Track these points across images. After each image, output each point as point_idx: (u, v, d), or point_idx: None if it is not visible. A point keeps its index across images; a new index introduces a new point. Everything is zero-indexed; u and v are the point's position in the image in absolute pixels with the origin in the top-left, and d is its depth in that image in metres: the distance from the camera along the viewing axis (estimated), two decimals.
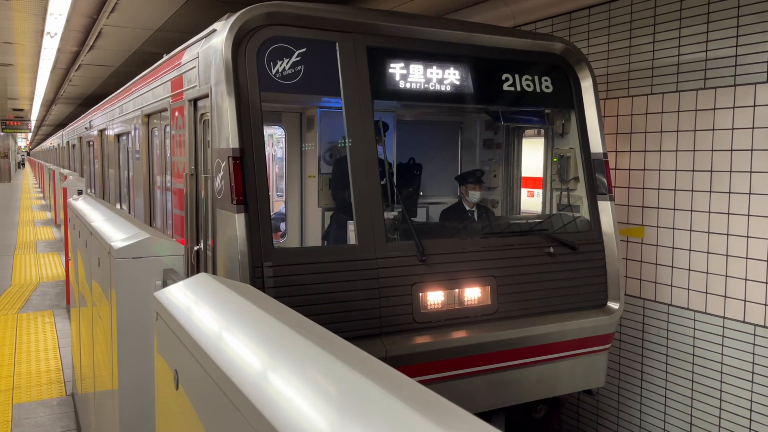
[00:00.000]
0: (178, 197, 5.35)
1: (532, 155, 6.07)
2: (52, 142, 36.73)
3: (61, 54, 12.77)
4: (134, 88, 7.79)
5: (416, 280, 4.09)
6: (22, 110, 29.88)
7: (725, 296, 4.83)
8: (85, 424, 4.69)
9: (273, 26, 3.94)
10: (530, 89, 4.84)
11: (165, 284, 2.59)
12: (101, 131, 11.31)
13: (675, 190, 5.16)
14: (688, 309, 5.12)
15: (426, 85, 4.46)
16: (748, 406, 4.72)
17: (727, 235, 4.78)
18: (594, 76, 4.98)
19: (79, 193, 8.61)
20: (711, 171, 4.88)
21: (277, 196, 8.32)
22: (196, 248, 4.76)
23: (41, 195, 30.68)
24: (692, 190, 5.02)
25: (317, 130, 6.36)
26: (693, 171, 5.01)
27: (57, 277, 11.06)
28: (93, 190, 13.09)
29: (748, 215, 4.64)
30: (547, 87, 4.91)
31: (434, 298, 4.15)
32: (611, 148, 5.61)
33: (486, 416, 4.50)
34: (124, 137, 8.70)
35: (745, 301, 4.70)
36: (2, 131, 36.06)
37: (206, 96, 4.24)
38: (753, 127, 4.59)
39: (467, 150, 6.84)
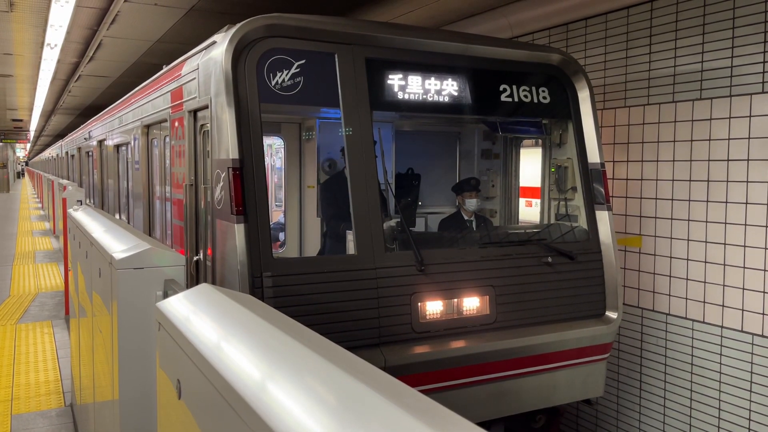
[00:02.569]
0: (177, 208, 5.36)
1: (530, 165, 6.10)
2: (51, 152, 36.77)
3: (61, 65, 12.83)
4: (134, 99, 7.82)
5: (415, 289, 4.10)
6: (21, 120, 29.93)
7: (723, 305, 4.85)
8: None
9: (272, 38, 3.97)
10: (528, 100, 4.87)
11: (166, 295, 2.61)
12: (100, 142, 11.34)
13: (672, 199, 5.18)
14: (686, 318, 5.13)
15: (424, 96, 4.49)
16: (746, 415, 4.73)
17: (725, 244, 4.81)
18: (591, 86, 5.02)
19: (79, 203, 8.62)
20: (708, 181, 4.91)
21: (276, 206, 8.34)
22: (195, 258, 4.77)
23: (40, 205, 30.67)
24: (689, 200, 5.05)
25: (316, 141, 6.40)
26: (690, 181, 5.04)
27: (56, 287, 11.05)
28: (92, 201, 13.10)
29: (745, 225, 4.67)
30: (544, 97, 4.94)
31: (433, 307, 4.16)
32: (608, 158, 5.64)
33: (485, 426, 4.50)
34: (124, 148, 8.72)
35: (742, 310, 4.72)
36: (1, 142, 36.09)
37: (206, 107, 4.26)
38: (749, 137, 4.63)
39: (465, 160, 6.87)
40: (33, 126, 32.93)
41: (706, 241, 4.94)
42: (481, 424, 4.42)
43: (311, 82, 4.07)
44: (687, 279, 5.10)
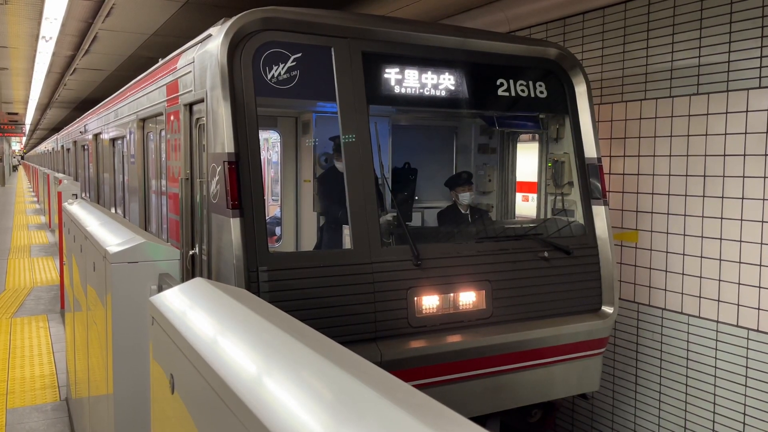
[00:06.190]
0: (173, 201, 5.35)
1: (527, 160, 6.09)
2: (47, 146, 36.66)
3: (56, 58, 12.76)
4: (129, 93, 7.79)
5: (411, 284, 4.09)
6: (16, 114, 29.81)
7: (719, 300, 4.85)
8: (79, 428, 4.67)
9: (269, 31, 3.95)
10: (525, 94, 4.86)
11: (160, 289, 2.60)
12: (96, 135, 11.30)
13: (669, 194, 5.18)
14: (681, 313, 5.14)
15: (421, 90, 4.48)
16: (741, 409, 4.74)
17: (721, 239, 4.81)
18: (588, 81, 5.01)
19: (74, 197, 8.59)
20: (704, 176, 4.91)
21: (273, 200, 8.31)
22: (191, 253, 4.76)
23: (35, 199, 30.58)
24: (686, 195, 5.05)
25: (313, 135, 6.38)
26: (686, 176, 5.04)
27: (51, 281, 11.02)
28: (88, 195, 13.05)
29: (741, 220, 4.67)
30: (541, 92, 4.93)
31: (429, 302, 4.16)
32: (605, 153, 5.63)
33: (481, 420, 4.50)
34: (120, 141, 8.69)
35: (738, 305, 4.72)
36: None
37: (202, 100, 4.24)
38: (745, 133, 4.62)
39: (462, 155, 6.86)
40: (28, 119, 32.80)
41: (702, 236, 4.95)
42: (477, 419, 4.43)
43: (307, 76, 4.05)
44: (683, 274, 5.11)
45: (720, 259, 4.83)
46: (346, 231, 4.23)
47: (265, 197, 4.07)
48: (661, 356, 5.33)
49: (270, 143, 8.73)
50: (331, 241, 5.65)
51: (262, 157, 4.03)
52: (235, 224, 3.69)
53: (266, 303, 1.83)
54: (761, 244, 4.56)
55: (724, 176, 4.77)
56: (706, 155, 4.89)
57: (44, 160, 39.02)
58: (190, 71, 4.58)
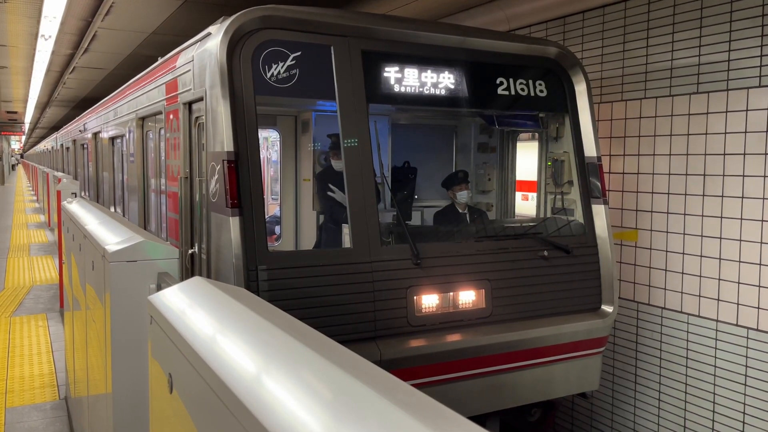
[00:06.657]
0: (172, 200, 5.34)
1: (527, 159, 6.09)
2: (46, 144, 36.65)
3: (56, 57, 12.75)
4: (129, 91, 7.78)
5: (411, 283, 4.09)
6: (15, 113, 29.79)
7: (718, 299, 4.85)
8: (78, 428, 4.67)
9: (268, 30, 3.95)
10: (525, 93, 4.85)
11: (159, 288, 2.59)
12: (95, 134, 11.29)
13: (668, 193, 5.18)
14: (681, 312, 5.14)
15: (421, 89, 4.47)
16: (741, 408, 4.74)
17: (720, 238, 4.81)
18: (588, 80, 5.00)
19: (74, 195, 8.59)
20: (704, 175, 4.90)
21: (272, 199, 8.30)
22: (190, 251, 4.75)
23: (35, 198, 30.56)
24: (685, 194, 5.05)
25: (312, 134, 6.37)
26: (686, 175, 5.03)
27: (50, 280, 11.01)
28: (87, 193, 13.05)
29: (741, 219, 4.67)
30: (541, 91, 4.93)
31: (429, 301, 4.15)
32: (605, 152, 5.63)
33: (481, 419, 4.50)
34: (119, 140, 8.68)
35: (738, 304, 4.72)
36: None
37: (201, 99, 4.24)
38: (745, 131, 4.62)
39: (462, 153, 6.86)
40: (28, 118, 32.79)
41: (702, 235, 4.94)
42: (476, 418, 4.43)
43: (307, 75, 4.05)
44: (682, 273, 5.11)
45: (720, 258, 4.83)
46: (346, 230, 4.22)
47: (265, 196, 4.07)
48: (660, 355, 5.33)
49: (269, 142, 8.72)
50: (330, 239, 5.64)
51: (261, 156, 4.02)
52: (234, 223, 3.69)
53: (265, 302, 1.82)
54: (761, 243, 4.56)
55: (723, 175, 4.77)
56: (705, 154, 4.89)
57: (43, 158, 39.01)
58: (190, 70, 4.57)
